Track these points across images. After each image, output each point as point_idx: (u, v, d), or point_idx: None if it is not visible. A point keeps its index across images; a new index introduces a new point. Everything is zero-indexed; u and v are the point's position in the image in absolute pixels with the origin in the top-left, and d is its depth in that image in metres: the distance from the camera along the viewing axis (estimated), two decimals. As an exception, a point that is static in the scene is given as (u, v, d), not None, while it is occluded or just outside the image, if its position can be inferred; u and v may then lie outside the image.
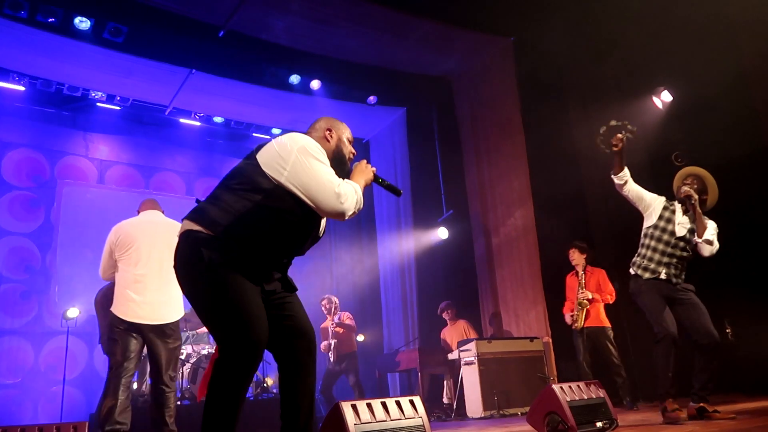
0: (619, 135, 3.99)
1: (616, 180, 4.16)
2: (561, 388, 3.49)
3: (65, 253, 8.14)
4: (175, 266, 2.26)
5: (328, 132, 2.52)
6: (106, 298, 5.53)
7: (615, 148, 4.01)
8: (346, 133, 2.57)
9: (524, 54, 7.58)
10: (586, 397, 3.53)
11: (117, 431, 3.70)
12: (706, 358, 3.87)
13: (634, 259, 4.17)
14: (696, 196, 4.00)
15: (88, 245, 8.17)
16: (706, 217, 4.05)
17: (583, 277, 6.19)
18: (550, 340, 6.86)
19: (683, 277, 4.05)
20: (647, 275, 4.03)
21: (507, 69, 7.79)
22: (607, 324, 6.11)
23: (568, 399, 3.43)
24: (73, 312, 6.94)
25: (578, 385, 3.60)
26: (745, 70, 6.46)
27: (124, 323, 3.84)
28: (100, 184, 8.78)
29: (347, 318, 7.59)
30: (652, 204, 4.15)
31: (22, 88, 7.80)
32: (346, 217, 2.26)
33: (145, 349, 3.99)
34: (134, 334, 3.86)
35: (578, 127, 7.42)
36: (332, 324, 7.42)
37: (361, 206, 2.31)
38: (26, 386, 7.41)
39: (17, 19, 6.36)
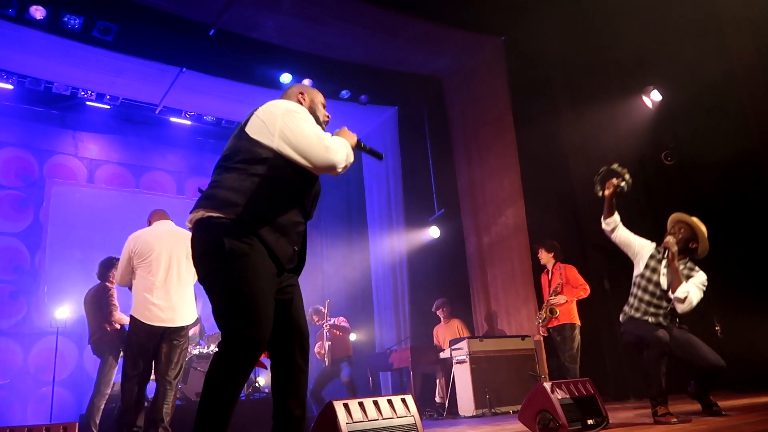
0: (614, 180, 3.85)
1: (604, 225, 4.06)
2: (552, 386, 3.51)
3: (54, 253, 8.08)
4: (193, 253, 2.24)
5: (300, 95, 2.59)
6: (95, 298, 5.54)
7: (607, 192, 3.90)
8: (318, 97, 2.64)
9: (515, 53, 7.60)
10: (577, 395, 3.55)
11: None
12: (712, 380, 3.82)
13: (624, 307, 4.10)
14: (674, 249, 3.84)
15: (78, 245, 8.13)
16: (693, 266, 3.97)
17: (553, 276, 6.25)
18: (542, 339, 6.88)
19: (675, 323, 3.97)
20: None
21: (498, 68, 7.81)
22: (574, 321, 6.15)
23: (559, 397, 3.45)
24: (62, 312, 6.88)
25: (569, 383, 3.62)
26: (734, 69, 6.51)
27: (145, 329, 4.00)
28: (89, 183, 8.72)
29: (342, 321, 7.58)
30: (640, 251, 4.06)
31: (10, 87, 7.73)
32: (338, 170, 2.29)
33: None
34: (151, 342, 4.04)
35: (569, 126, 7.46)
36: (327, 326, 7.39)
37: (351, 160, 2.34)
38: (15, 387, 7.35)
39: (5, 17, 6.29)
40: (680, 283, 3.79)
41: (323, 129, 2.52)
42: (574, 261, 7.18)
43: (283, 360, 2.28)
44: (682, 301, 3.77)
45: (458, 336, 7.19)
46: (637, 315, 3.95)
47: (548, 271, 6.40)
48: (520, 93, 7.51)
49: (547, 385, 3.50)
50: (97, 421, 5.27)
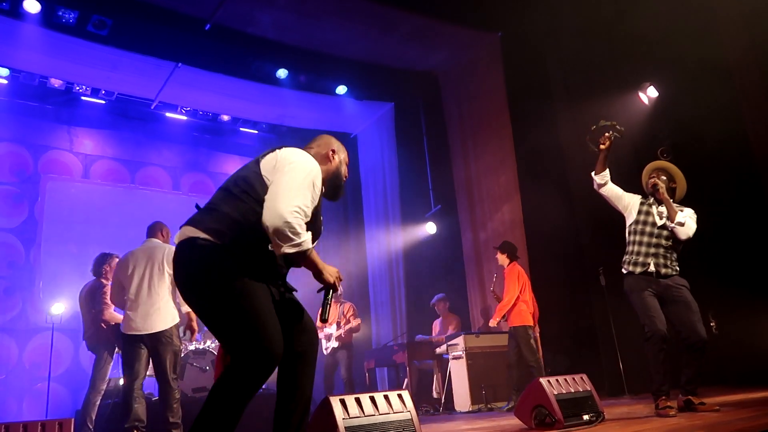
0: (607, 134, 4.07)
1: (597, 179, 4.23)
2: (548, 381, 3.52)
3: (49, 248, 8.05)
4: (177, 274, 2.19)
5: (332, 152, 2.50)
6: (90, 294, 5.52)
7: (602, 146, 4.10)
8: (344, 155, 2.56)
9: (511, 49, 7.59)
10: (573, 391, 3.56)
11: (136, 427, 4.34)
12: (693, 356, 3.90)
13: (623, 258, 4.21)
14: (662, 185, 4.12)
15: (73, 241, 8.10)
16: (678, 205, 4.16)
17: (504, 278, 6.37)
18: (538, 335, 6.89)
19: (675, 267, 4.08)
20: (638, 270, 4.05)
21: (494, 64, 7.80)
22: (517, 323, 6.20)
23: (556, 392, 3.46)
24: (57, 308, 6.86)
25: (565, 379, 3.63)
26: (730, 66, 6.52)
27: (126, 337, 4.49)
28: (84, 178, 8.68)
29: (352, 316, 7.38)
30: (630, 202, 4.24)
31: (4, 81, 7.69)
32: (277, 240, 2.05)
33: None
34: (137, 344, 4.46)
35: (565, 122, 7.46)
36: (342, 328, 7.24)
37: (297, 255, 2.10)
38: (10, 383, 7.33)
39: (-1, 11, 6.27)
40: (675, 213, 4.02)
41: (343, 188, 2.55)
42: (571, 256, 7.21)
43: (293, 355, 2.25)
44: (683, 224, 4.00)
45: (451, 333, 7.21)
46: (640, 260, 4.06)
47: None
48: (517, 89, 7.51)
49: (544, 381, 3.50)
50: (93, 417, 5.27)
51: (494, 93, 7.79)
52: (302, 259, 2.14)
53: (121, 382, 5.24)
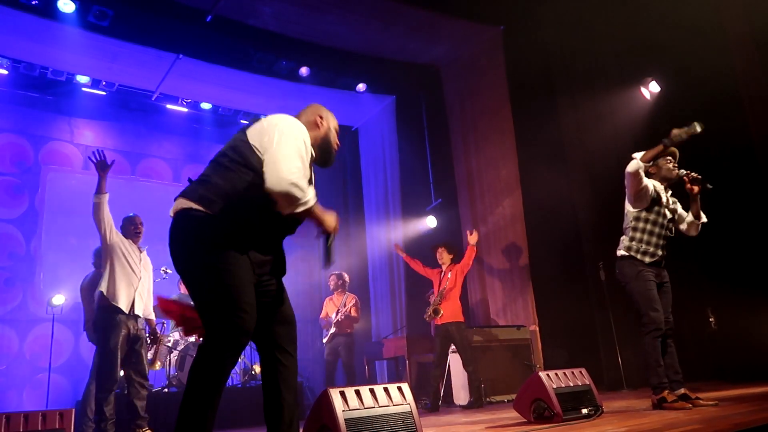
0: (687, 137, 4.01)
1: (644, 164, 3.99)
2: (547, 375, 3.53)
3: (50, 239, 8.06)
4: (171, 246, 2.22)
5: (319, 118, 2.52)
6: (91, 284, 5.53)
7: (675, 144, 4.05)
8: (334, 122, 2.58)
9: (513, 43, 7.56)
10: (572, 384, 3.57)
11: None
12: (666, 342, 3.97)
13: (627, 244, 4.10)
14: (693, 174, 4.10)
15: (73, 232, 8.09)
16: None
17: (444, 277, 6.43)
18: (537, 329, 6.92)
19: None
20: (648, 259, 4.00)
21: (496, 58, 7.77)
22: (462, 319, 6.31)
23: (555, 386, 3.47)
24: (58, 299, 6.87)
25: (564, 373, 3.64)
26: (733, 61, 6.50)
27: None
28: (85, 170, 8.65)
29: (353, 307, 7.40)
30: (647, 186, 4.11)
31: (4, 72, 7.67)
32: (286, 203, 2.12)
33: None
34: None
35: (567, 117, 7.44)
36: (341, 314, 7.30)
37: (300, 210, 2.17)
38: (11, 374, 7.36)
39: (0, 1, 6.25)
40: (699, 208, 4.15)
41: (334, 154, 2.53)
42: (571, 251, 7.20)
43: (272, 347, 2.28)
44: (705, 222, 4.17)
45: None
46: (651, 249, 4.02)
47: (442, 270, 6.55)
48: (519, 83, 7.48)
49: (543, 375, 3.52)
50: (93, 408, 5.27)
51: (496, 86, 7.77)
52: (307, 214, 2.23)
53: (121, 373, 5.26)
